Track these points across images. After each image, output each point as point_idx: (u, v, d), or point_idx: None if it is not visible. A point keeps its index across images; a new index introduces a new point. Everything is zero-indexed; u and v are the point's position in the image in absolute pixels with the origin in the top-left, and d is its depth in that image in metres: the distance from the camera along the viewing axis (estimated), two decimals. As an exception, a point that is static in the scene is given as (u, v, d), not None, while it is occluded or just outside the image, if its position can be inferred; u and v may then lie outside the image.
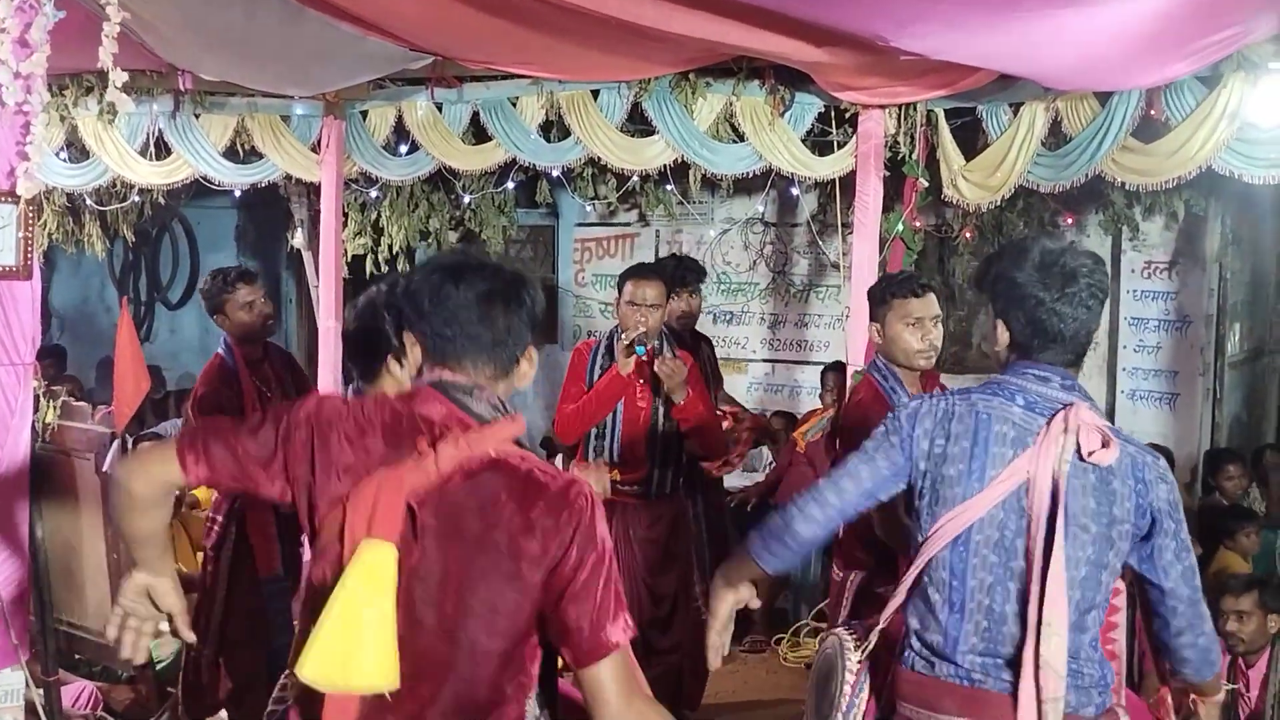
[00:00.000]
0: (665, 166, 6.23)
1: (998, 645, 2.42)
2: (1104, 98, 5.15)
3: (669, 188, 7.40)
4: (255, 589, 4.44)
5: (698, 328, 5.82)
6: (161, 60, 5.80)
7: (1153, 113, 5.05)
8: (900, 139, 5.56)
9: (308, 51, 5.52)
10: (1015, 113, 5.40)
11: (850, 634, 2.75)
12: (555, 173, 7.34)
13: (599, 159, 6.26)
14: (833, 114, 5.77)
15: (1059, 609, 2.35)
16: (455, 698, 2.00)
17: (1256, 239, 8.10)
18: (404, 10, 4.90)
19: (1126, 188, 5.61)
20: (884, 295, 3.83)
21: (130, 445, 4.84)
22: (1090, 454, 2.36)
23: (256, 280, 4.71)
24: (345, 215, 7.48)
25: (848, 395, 4.60)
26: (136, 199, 7.79)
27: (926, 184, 5.63)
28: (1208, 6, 4.05)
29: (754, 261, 8.74)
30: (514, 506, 1.99)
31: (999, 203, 5.70)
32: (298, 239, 8.12)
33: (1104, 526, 2.40)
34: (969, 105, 5.54)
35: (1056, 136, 5.42)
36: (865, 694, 2.65)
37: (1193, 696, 2.78)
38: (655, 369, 4.50)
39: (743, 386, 8.42)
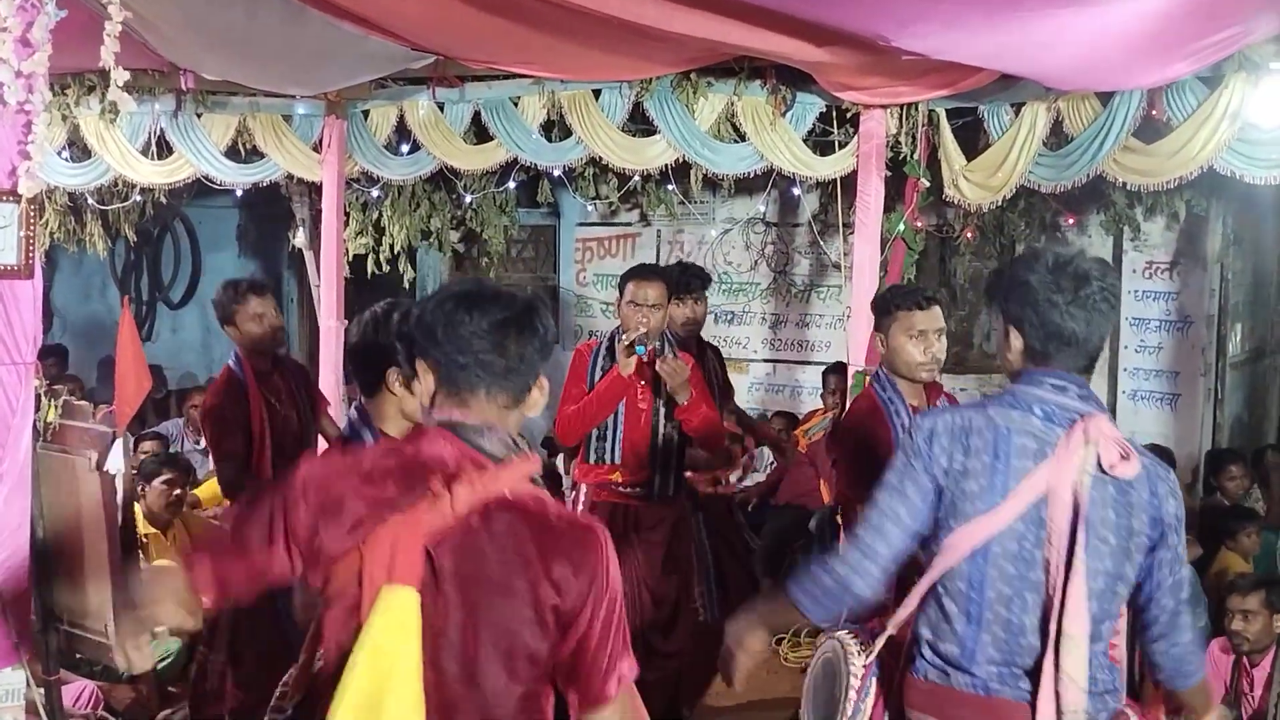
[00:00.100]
0: (667, 166, 6.23)
1: (1015, 656, 2.41)
2: (1105, 98, 5.15)
3: (670, 188, 7.39)
4: (266, 594, 4.41)
5: (702, 335, 5.80)
6: (163, 60, 5.81)
7: (1154, 113, 5.05)
8: (902, 139, 5.56)
9: (309, 51, 5.53)
10: (1017, 113, 5.40)
11: (852, 637, 2.74)
12: (556, 172, 7.33)
13: (600, 159, 6.26)
14: (834, 114, 5.78)
15: (1080, 621, 2.33)
16: None
17: (1258, 239, 8.10)
18: (406, 10, 4.90)
19: (1128, 188, 5.61)
20: (889, 307, 3.77)
21: (132, 445, 4.82)
22: (1111, 467, 2.35)
23: (268, 293, 4.70)
24: (347, 215, 7.47)
25: (849, 403, 4.58)
26: (138, 198, 7.81)
27: (928, 184, 5.63)
28: (1209, 7, 4.05)
29: (755, 261, 8.75)
30: (533, 552, 2.00)
31: (1000, 203, 5.70)
32: (299, 238, 8.12)
33: (1123, 539, 2.39)
34: (970, 105, 5.54)
35: (1058, 136, 5.42)
36: (871, 699, 2.65)
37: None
38: (656, 369, 4.47)
39: (744, 387, 8.41)
